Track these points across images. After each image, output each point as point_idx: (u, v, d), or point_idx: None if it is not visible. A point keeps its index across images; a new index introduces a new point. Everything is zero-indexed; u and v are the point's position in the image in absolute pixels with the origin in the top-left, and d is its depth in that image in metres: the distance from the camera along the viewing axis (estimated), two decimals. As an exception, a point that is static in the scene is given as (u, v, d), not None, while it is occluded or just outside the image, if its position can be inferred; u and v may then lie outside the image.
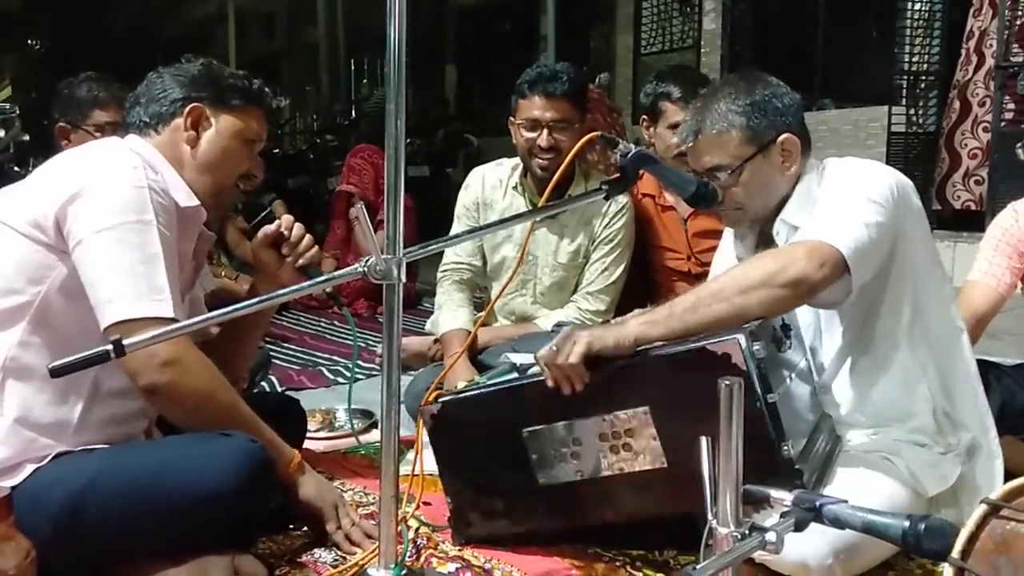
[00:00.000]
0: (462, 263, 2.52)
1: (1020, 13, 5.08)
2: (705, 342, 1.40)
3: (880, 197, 1.50)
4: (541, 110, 2.30)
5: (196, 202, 1.58)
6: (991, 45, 5.17)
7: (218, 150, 1.63)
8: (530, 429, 1.56)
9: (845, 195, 1.51)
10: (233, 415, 1.52)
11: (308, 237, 1.74)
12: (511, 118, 2.38)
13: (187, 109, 1.61)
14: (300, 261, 1.72)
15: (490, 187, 2.50)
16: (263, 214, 1.76)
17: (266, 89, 1.71)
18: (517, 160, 2.45)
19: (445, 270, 2.55)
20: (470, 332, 2.35)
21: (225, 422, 1.49)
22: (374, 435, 2.39)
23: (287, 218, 1.75)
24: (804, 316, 1.62)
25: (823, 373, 1.63)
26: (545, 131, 2.29)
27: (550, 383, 1.48)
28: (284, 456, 1.60)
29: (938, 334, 1.63)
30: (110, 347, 1.16)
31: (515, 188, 2.45)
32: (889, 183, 1.53)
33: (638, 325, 1.46)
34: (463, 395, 1.64)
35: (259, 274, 1.79)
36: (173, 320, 1.40)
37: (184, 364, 1.44)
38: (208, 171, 1.62)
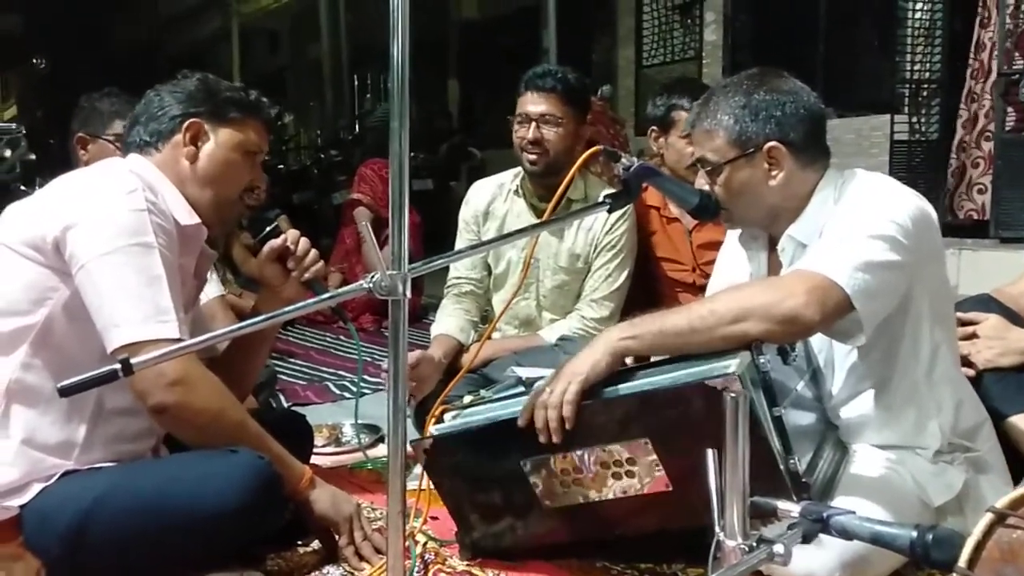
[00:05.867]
0: (461, 277, 2.53)
1: (1022, 20, 5.08)
2: (704, 374, 1.36)
3: (899, 232, 1.44)
4: (532, 104, 2.35)
5: (197, 220, 1.59)
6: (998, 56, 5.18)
7: (218, 163, 1.63)
8: (529, 460, 1.55)
9: (860, 226, 1.45)
10: (242, 432, 1.52)
11: (314, 252, 1.75)
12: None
13: (185, 125, 1.61)
14: (305, 276, 1.73)
15: (491, 196, 2.52)
16: (269, 228, 1.76)
17: (264, 100, 1.71)
18: (519, 168, 2.48)
19: (448, 285, 2.57)
20: (455, 338, 2.37)
21: (234, 439, 1.49)
22: (381, 450, 2.40)
23: (293, 232, 1.76)
24: (816, 339, 1.59)
25: (831, 399, 1.62)
26: (532, 125, 2.33)
27: (522, 423, 1.48)
28: (295, 473, 1.59)
29: (953, 372, 1.62)
30: (118, 366, 1.17)
31: (516, 192, 2.48)
32: (912, 215, 1.47)
33: (621, 340, 1.45)
34: (455, 429, 1.62)
35: (264, 289, 1.79)
36: (180, 341, 1.41)
37: (192, 383, 1.45)
38: (210, 185, 1.63)
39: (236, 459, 1.45)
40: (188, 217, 1.58)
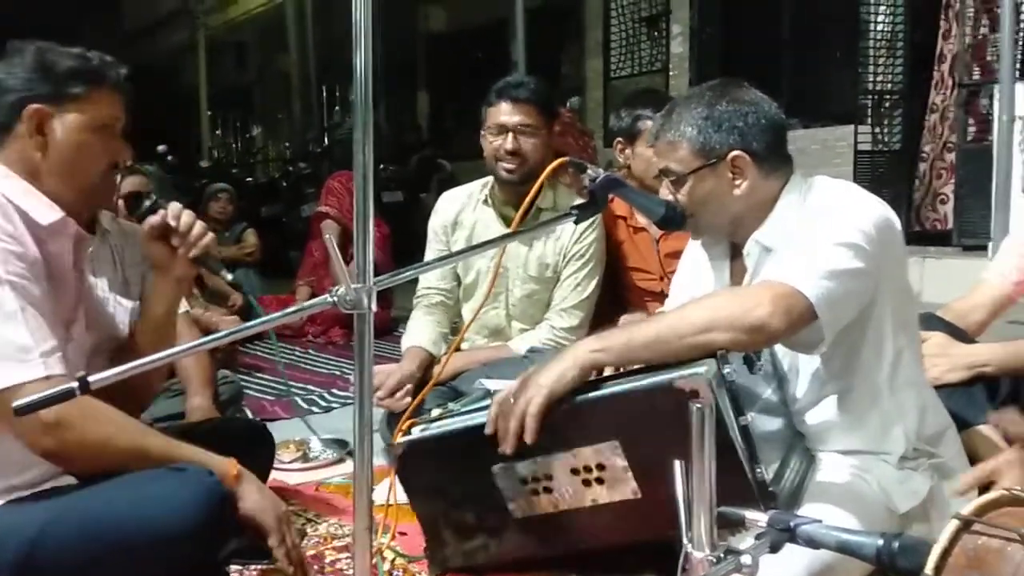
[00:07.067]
0: (431, 288, 2.53)
1: (981, 32, 5.18)
2: (673, 377, 1.37)
3: (864, 240, 1.45)
4: (507, 115, 2.36)
5: (59, 215, 1.47)
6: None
7: (72, 150, 1.48)
8: (499, 466, 1.54)
9: (824, 234, 1.46)
10: (141, 453, 1.44)
11: (200, 225, 1.61)
12: (482, 131, 2.42)
13: (26, 113, 1.45)
14: (193, 252, 1.59)
15: (460, 206, 2.53)
16: (147, 204, 1.60)
17: (108, 59, 1.53)
18: (487, 178, 2.48)
19: (418, 296, 2.56)
20: (426, 350, 2.37)
21: (134, 462, 1.43)
22: (349, 465, 2.37)
23: (174, 206, 1.61)
24: (780, 346, 1.60)
25: (795, 404, 1.62)
26: (510, 135, 2.35)
27: (488, 430, 1.47)
28: (219, 469, 1.49)
29: (916, 378, 1.63)
30: (75, 384, 1.14)
31: (484, 202, 2.48)
32: (876, 222, 1.48)
33: (590, 352, 1.45)
34: (429, 434, 1.61)
35: (153, 271, 1.66)
36: (49, 378, 1.33)
37: (70, 422, 1.37)
38: (68, 175, 1.49)
39: (184, 477, 1.39)
40: (49, 213, 1.46)
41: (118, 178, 1.61)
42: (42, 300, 1.41)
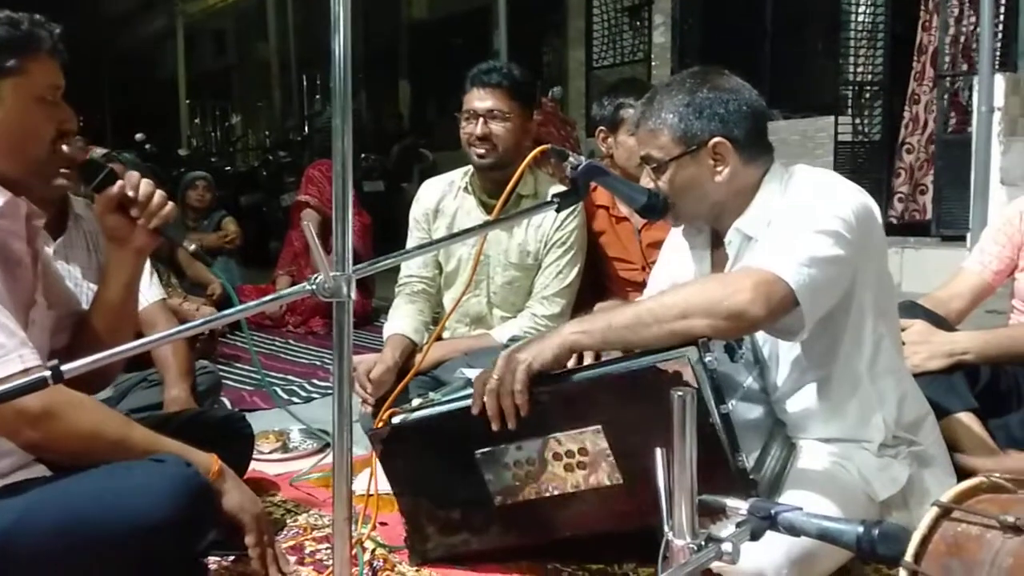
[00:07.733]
0: (413, 276, 2.52)
1: (964, 24, 5.21)
2: (655, 360, 1.38)
3: (844, 227, 1.45)
4: (479, 100, 2.36)
5: (5, 196, 1.42)
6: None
7: (14, 123, 1.41)
8: (483, 450, 1.54)
9: (805, 222, 1.46)
10: (126, 445, 1.43)
11: (159, 194, 1.52)
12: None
13: None
14: (153, 222, 1.52)
15: (440, 194, 2.51)
16: (102, 175, 1.51)
17: (38, 19, 1.46)
18: (469, 166, 2.47)
19: (400, 284, 2.55)
20: (408, 338, 2.35)
21: (120, 452, 1.42)
22: (329, 455, 2.35)
23: (132, 176, 1.53)
24: (760, 332, 1.60)
25: (775, 392, 1.63)
26: (480, 120, 2.33)
27: (475, 410, 1.48)
28: (201, 465, 1.49)
29: (896, 365, 1.64)
30: (48, 373, 1.12)
31: (465, 189, 2.47)
32: (856, 210, 1.49)
33: (572, 334, 1.46)
34: (413, 418, 1.61)
35: (110, 243, 1.58)
36: (28, 371, 1.30)
37: (58, 412, 1.36)
38: (13, 151, 1.42)
39: (163, 468, 1.38)
40: None
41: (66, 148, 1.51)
42: (3, 290, 1.38)
